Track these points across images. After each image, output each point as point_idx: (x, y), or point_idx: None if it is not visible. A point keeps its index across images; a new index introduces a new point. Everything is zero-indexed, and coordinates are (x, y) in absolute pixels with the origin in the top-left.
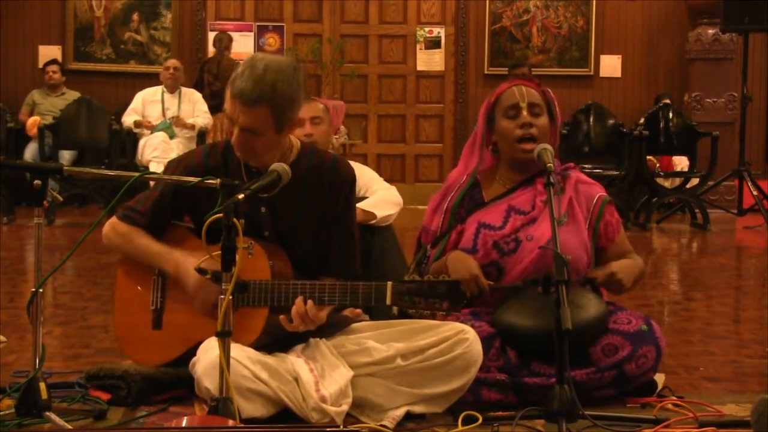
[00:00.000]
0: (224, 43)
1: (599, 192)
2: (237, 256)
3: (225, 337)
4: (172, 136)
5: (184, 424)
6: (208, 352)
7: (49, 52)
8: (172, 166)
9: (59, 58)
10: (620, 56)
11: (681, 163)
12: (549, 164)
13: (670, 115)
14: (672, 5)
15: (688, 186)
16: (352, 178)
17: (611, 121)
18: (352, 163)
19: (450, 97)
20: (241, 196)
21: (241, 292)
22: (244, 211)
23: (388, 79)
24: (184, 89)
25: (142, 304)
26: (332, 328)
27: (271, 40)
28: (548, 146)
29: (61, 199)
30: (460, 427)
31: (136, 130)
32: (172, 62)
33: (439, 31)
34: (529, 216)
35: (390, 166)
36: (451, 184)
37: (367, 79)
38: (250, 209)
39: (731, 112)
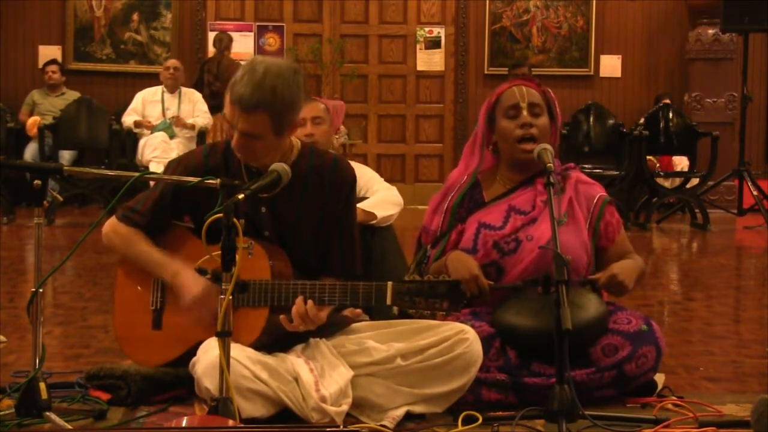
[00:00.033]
0: (224, 43)
1: (599, 192)
2: (237, 256)
3: (225, 337)
4: (172, 136)
5: (184, 424)
6: (208, 352)
7: (49, 52)
8: (173, 167)
9: (59, 58)
10: (620, 56)
11: (681, 163)
12: (549, 164)
13: (670, 115)
14: (672, 5)
15: (688, 186)
16: (352, 178)
17: (611, 121)
18: (353, 164)
19: (450, 97)
20: (241, 196)
21: (241, 292)
22: (244, 211)
23: (388, 79)
24: (184, 89)
25: (142, 304)
26: (332, 328)
27: (271, 40)
28: (548, 146)
29: (61, 199)
30: (460, 427)
31: (136, 130)
32: (172, 62)
33: (439, 31)
34: (530, 216)
35: (390, 166)
36: (452, 184)
37: (367, 79)
38: (250, 209)
39: (731, 112)
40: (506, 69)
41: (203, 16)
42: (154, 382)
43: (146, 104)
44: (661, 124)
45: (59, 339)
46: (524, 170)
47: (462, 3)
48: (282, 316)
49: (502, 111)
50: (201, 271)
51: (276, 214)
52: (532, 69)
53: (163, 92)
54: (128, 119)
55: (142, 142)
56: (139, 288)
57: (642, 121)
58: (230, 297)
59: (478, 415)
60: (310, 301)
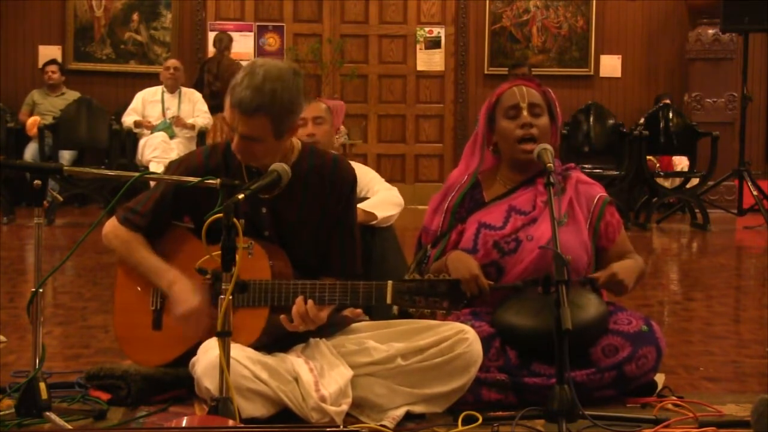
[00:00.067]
0: (224, 43)
1: (600, 192)
2: (237, 256)
3: (225, 337)
4: (172, 136)
5: (184, 424)
6: (208, 352)
7: (49, 52)
8: (173, 167)
9: (59, 58)
10: (620, 56)
11: (681, 163)
12: (549, 164)
13: (670, 115)
14: (672, 5)
15: (688, 186)
16: (353, 178)
17: (611, 121)
18: (354, 164)
19: (450, 97)
20: (241, 196)
21: (241, 292)
22: (244, 211)
23: (388, 79)
24: (184, 89)
25: (142, 304)
26: (332, 328)
27: (271, 40)
28: (548, 146)
29: (61, 199)
30: (460, 427)
31: (136, 130)
32: (172, 62)
33: (439, 31)
34: (530, 216)
35: (390, 166)
36: (452, 184)
37: (367, 79)
38: (250, 209)
39: (731, 112)
40: (506, 69)
41: (203, 16)
42: (154, 382)
43: (146, 104)
44: (661, 124)
45: (59, 339)
46: (524, 170)
47: (462, 3)
48: (282, 316)
49: (502, 111)
50: (201, 271)
51: (276, 214)
52: (532, 69)
53: (163, 92)
54: (128, 119)
55: (142, 142)
56: (139, 288)
57: (642, 121)
58: (230, 297)
59: (478, 415)
60: (310, 301)
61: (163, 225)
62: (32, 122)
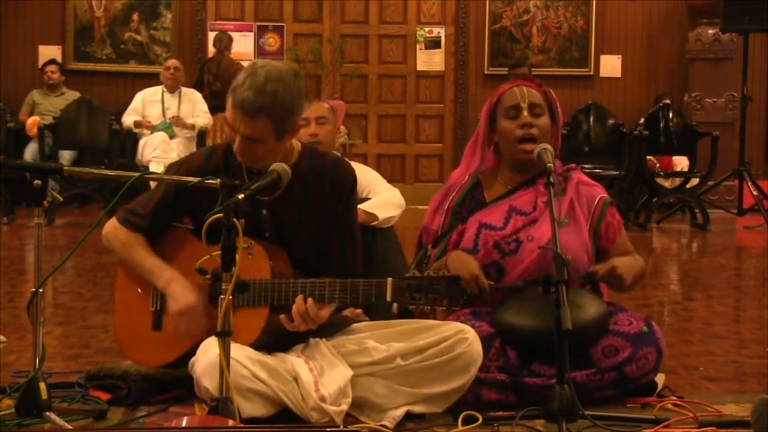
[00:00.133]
0: (224, 43)
1: (600, 193)
2: (237, 256)
3: (225, 337)
4: (172, 136)
5: (184, 424)
6: (208, 351)
7: (49, 52)
8: (173, 169)
9: (59, 58)
10: (620, 56)
11: (681, 163)
12: (549, 164)
13: (670, 115)
14: (672, 5)
15: (688, 186)
16: (353, 178)
17: (611, 121)
18: (356, 165)
19: (450, 97)
20: (241, 196)
21: (241, 292)
22: (244, 211)
23: (388, 79)
24: (184, 89)
25: (142, 305)
26: (332, 328)
27: (271, 40)
28: (548, 146)
29: (61, 199)
30: (460, 427)
31: (136, 130)
32: (173, 62)
33: (439, 31)
34: (531, 216)
35: (390, 166)
36: (453, 184)
37: (367, 79)
38: (250, 210)
39: (731, 112)
40: (506, 69)
41: (203, 16)
42: (154, 382)
43: (146, 104)
44: (661, 124)
45: (59, 339)
46: (525, 171)
47: (462, 3)
48: (282, 316)
49: (503, 111)
50: (201, 271)
51: (276, 214)
52: (532, 69)
53: (163, 92)
54: (128, 119)
55: (142, 142)
56: (139, 289)
57: (642, 121)
58: (230, 297)
59: (478, 415)
60: (310, 300)
61: (163, 226)
62: (32, 122)
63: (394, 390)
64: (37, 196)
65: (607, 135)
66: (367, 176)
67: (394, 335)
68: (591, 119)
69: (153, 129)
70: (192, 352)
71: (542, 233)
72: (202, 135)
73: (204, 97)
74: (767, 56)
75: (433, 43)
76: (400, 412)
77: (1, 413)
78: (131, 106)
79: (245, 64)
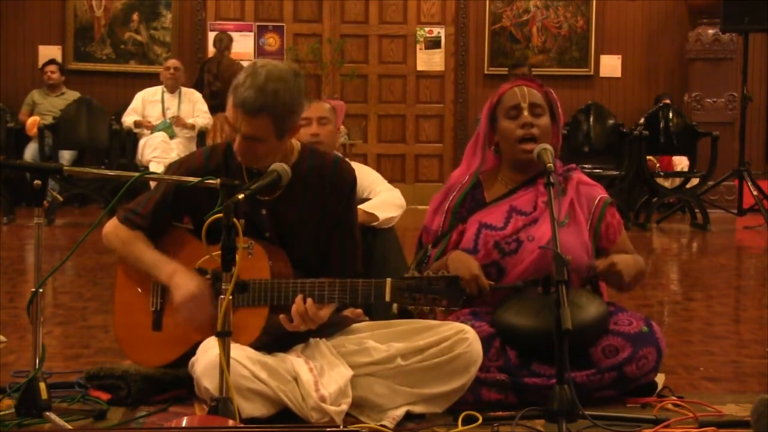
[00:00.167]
0: (224, 43)
1: (601, 193)
2: (237, 256)
3: (225, 337)
4: (172, 136)
5: (184, 424)
6: (207, 351)
7: (49, 52)
8: (173, 169)
9: (59, 58)
10: (620, 56)
11: (681, 163)
12: (549, 164)
13: (670, 115)
14: (672, 5)
15: (688, 186)
16: (353, 179)
17: (611, 121)
18: (357, 165)
19: (450, 97)
20: (241, 196)
21: (241, 292)
22: (244, 211)
23: (388, 79)
24: (184, 89)
25: (142, 305)
26: (332, 328)
27: (271, 40)
28: (548, 146)
29: (61, 199)
30: (460, 427)
31: (136, 130)
32: (173, 62)
33: (439, 31)
34: (531, 217)
35: (390, 166)
36: (453, 184)
37: (367, 79)
38: (250, 210)
39: (731, 112)
40: (506, 69)
41: (203, 16)
42: (154, 382)
43: (146, 104)
44: (661, 124)
45: (59, 339)
46: (525, 171)
47: (462, 3)
48: (282, 316)
49: (503, 111)
50: (201, 271)
51: (276, 214)
52: (532, 69)
53: (163, 92)
54: (128, 119)
55: (142, 142)
56: (139, 289)
57: (642, 121)
58: (230, 297)
59: (478, 415)
60: (309, 300)
61: (163, 226)
62: (32, 122)
63: (394, 390)
64: (37, 196)
65: (607, 135)
66: (368, 177)
67: (394, 335)
68: (591, 119)
69: (153, 129)
70: (192, 352)
71: (542, 233)
72: (202, 135)
73: (204, 97)
74: (767, 56)
75: (433, 43)
76: (400, 412)
77: (1, 413)
78: (131, 106)
79: (245, 64)
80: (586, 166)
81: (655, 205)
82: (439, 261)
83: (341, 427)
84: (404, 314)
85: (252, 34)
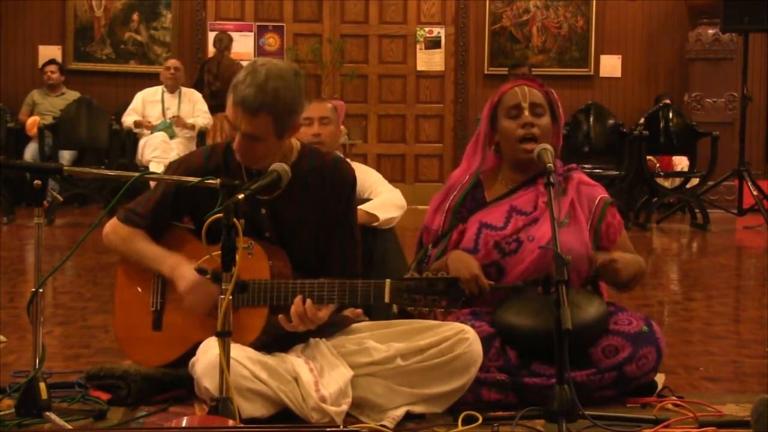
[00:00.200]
0: (224, 43)
1: (601, 193)
2: (237, 256)
3: (225, 337)
4: (172, 136)
5: (184, 424)
6: (208, 352)
7: (49, 52)
8: (173, 168)
9: (59, 58)
10: (620, 56)
11: (681, 163)
12: (549, 164)
13: (670, 115)
14: (672, 5)
15: (688, 186)
16: (353, 179)
17: (611, 121)
18: (358, 165)
19: (450, 97)
20: (241, 196)
21: (241, 292)
22: (244, 211)
23: (388, 79)
24: (184, 89)
25: (142, 304)
26: (332, 328)
27: (271, 40)
28: (548, 146)
29: (61, 199)
30: (460, 427)
31: (136, 130)
32: (173, 62)
33: (439, 31)
34: (531, 216)
35: (390, 166)
36: (454, 184)
37: (367, 79)
38: (250, 210)
39: (731, 112)
40: (506, 69)
41: (203, 16)
42: (154, 382)
43: (146, 104)
44: (661, 124)
45: (59, 339)
46: (526, 170)
47: (462, 3)
48: (281, 316)
49: (504, 111)
50: (201, 271)
51: (276, 214)
52: (532, 69)
53: (163, 92)
54: (128, 119)
55: (142, 142)
56: (139, 289)
57: (642, 121)
58: (230, 297)
59: (478, 415)
60: (309, 301)
61: (163, 225)
62: (32, 122)
63: (394, 390)
64: (37, 196)
65: (607, 135)
66: (369, 177)
67: (394, 335)
68: (591, 119)
69: (153, 129)
70: (192, 352)
71: (543, 233)
72: (202, 135)
73: (204, 97)
74: (767, 56)
75: (433, 43)
76: (400, 412)
77: (1, 413)
78: (131, 106)
79: (245, 64)
80: (586, 166)
81: (655, 205)
82: (439, 260)
83: (341, 427)
84: (404, 314)
85: (252, 34)
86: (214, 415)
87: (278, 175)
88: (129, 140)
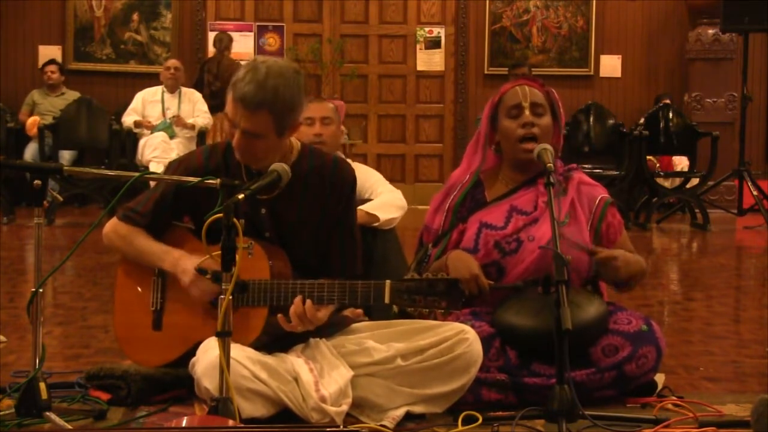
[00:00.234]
0: (224, 43)
1: (601, 193)
2: (237, 256)
3: (225, 337)
4: (172, 136)
5: (184, 424)
6: (208, 352)
7: (49, 52)
8: (173, 167)
9: (59, 58)
10: (620, 56)
11: (681, 163)
12: (549, 164)
13: (670, 115)
14: (672, 5)
15: (688, 186)
16: (353, 179)
17: (611, 121)
18: (359, 166)
19: (450, 97)
20: (241, 196)
21: (241, 292)
22: (244, 211)
23: (388, 79)
24: (184, 89)
25: (142, 304)
26: (332, 328)
27: (271, 40)
28: (548, 146)
29: (61, 199)
30: (460, 427)
31: (136, 130)
32: (173, 62)
33: (439, 31)
34: (531, 216)
35: (390, 166)
36: (454, 183)
37: (367, 79)
38: (250, 210)
39: (731, 112)
40: (506, 69)
41: (203, 16)
42: (154, 382)
43: (146, 104)
44: (661, 124)
45: (59, 339)
46: (526, 170)
47: (462, 3)
48: (279, 316)
49: (504, 110)
50: (201, 271)
51: (276, 214)
52: (532, 69)
53: (163, 92)
54: (128, 119)
55: (142, 142)
56: (139, 289)
57: (642, 121)
58: (230, 297)
59: (478, 415)
60: (308, 301)
61: (163, 225)
62: (32, 122)
63: (394, 390)
64: (37, 196)
65: (607, 135)
66: (370, 177)
67: (394, 335)
68: (591, 119)
69: (153, 129)
70: (192, 352)
71: (543, 233)
72: (202, 135)
73: (204, 97)
74: (767, 56)
75: (433, 43)
76: (400, 412)
77: (1, 413)
78: (131, 106)
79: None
80: (586, 166)
81: (655, 205)
82: (439, 260)
83: (341, 427)
84: (404, 314)
85: (252, 34)
86: (214, 415)
87: (278, 175)
88: (129, 140)
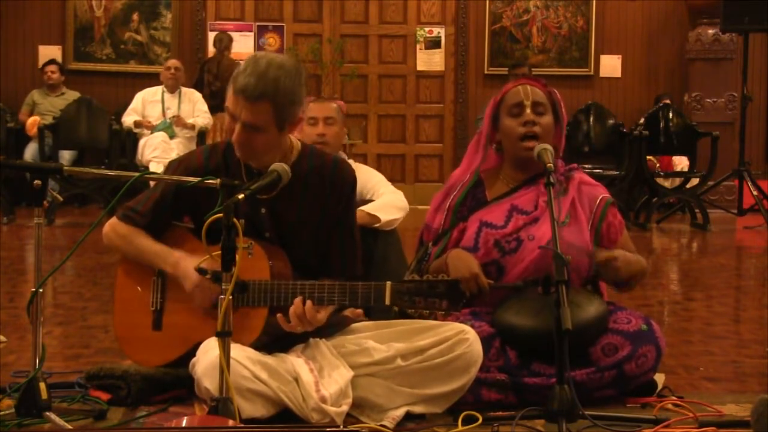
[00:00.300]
0: (224, 43)
1: (602, 193)
2: (237, 256)
3: (225, 337)
4: (172, 136)
5: (184, 424)
6: (208, 352)
7: (49, 52)
8: (173, 167)
9: (59, 58)
10: (620, 56)
11: (681, 163)
12: (549, 164)
13: (670, 115)
14: (672, 5)
15: (688, 186)
16: (353, 179)
17: (611, 121)
18: (361, 166)
19: (450, 97)
20: (241, 196)
21: (241, 292)
22: (244, 211)
23: (388, 79)
24: (184, 89)
25: (142, 304)
26: (332, 328)
27: (271, 40)
28: (548, 146)
29: (61, 199)
30: (460, 427)
31: (136, 130)
32: (173, 62)
33: (439, 31)
34: (532, 216)
35: (390, 166)
36: (454, 182)
37: (367, 79)
38: (250, 210)
39: (731, 112)
40: (506, 69)
41: (203, 16)
42: (154, 382)
43: (146, 104)
44: (661, 124)
45: (59, 339)
46: (527, 169)
47: (462, 3)
48: (279, 315)
49: (506, 109)
50: (201, 271)
51: (276, 214)
52: (532, 69)
53: (163, 92)
54: (128, 119)
55: (142, 142)
56: (139, 288)
57: (642, 121)
58: (230, 297)
59: (478, 415)
60: (308, 302)
61: (163, 225)
62: (32, 122)
63: (394, 390)
64: (37, 196)
65: (607, 135)
66: (371, 178)
67: (395, 335)
68: (591, 119)
69: (153, 129)
70: (192, 352)
71: (543, 232)
72: (202, 135)
73: (204, 97)
74: (767, 56)
75: (433, 43)
76: (400, 412)
77: (1, 413)
78: (131, 106)
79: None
80: (586, 166)
81: (655, 205)
82: (439, 259)
83: (341, 427)
84: (403, 314)
85: (252, 34)
86: (214, 415)
87: (278, 174)
88: (129, 140)
